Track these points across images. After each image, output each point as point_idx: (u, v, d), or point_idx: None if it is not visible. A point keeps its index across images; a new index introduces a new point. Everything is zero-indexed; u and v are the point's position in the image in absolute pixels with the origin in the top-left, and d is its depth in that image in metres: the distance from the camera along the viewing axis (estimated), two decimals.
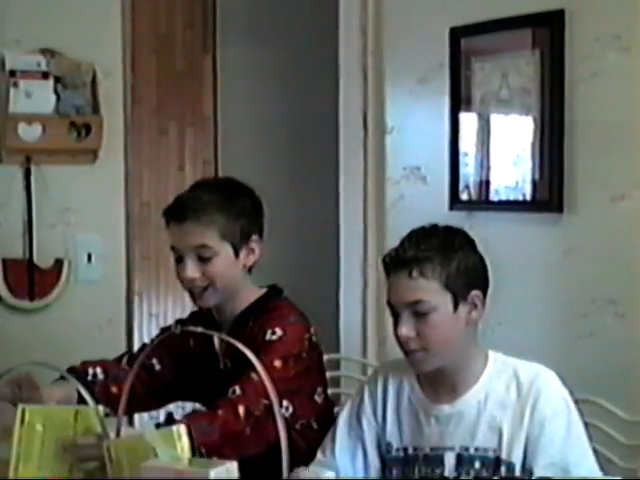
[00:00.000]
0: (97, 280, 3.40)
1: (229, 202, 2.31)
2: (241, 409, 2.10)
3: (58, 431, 1.75)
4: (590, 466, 2.01)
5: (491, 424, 2.04)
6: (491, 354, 2.11)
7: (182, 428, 1.63)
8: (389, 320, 2.11)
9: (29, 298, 3.27)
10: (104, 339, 3.40)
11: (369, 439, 2.17)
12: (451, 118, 3.28)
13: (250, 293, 2.37)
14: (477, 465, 2.04)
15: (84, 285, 3.37)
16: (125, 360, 2.48)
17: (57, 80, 3.22)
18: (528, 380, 2.05)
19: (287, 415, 2.21)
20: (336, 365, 3.18)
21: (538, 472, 1.99)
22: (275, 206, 4.46)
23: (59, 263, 3.31)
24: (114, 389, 2.35)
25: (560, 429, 2.01)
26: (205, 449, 1.99)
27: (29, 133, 3.21)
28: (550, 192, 2.97)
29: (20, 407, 1.77)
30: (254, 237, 2.34)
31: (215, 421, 2.09)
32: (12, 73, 3.18)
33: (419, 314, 2.03)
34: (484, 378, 2.08)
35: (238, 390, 2.14)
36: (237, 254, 2.31)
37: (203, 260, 2.27)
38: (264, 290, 2.40)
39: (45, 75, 3.20)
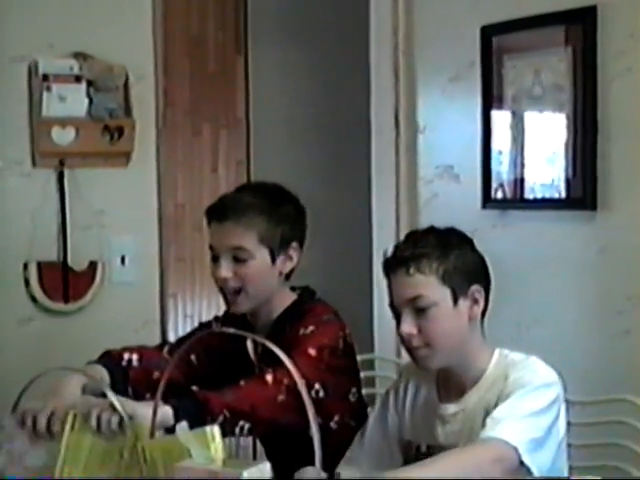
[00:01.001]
0: (131, 282, 3.41)
1: (272, 207, 2.31)
2: (269, 377, 2.09)
3: (107, 440, 1.74)
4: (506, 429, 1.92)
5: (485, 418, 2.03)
6: (497, 351, 2.11)
7: (215, 429, 1.64)
8: None
9: (64, 300, 3.28)
10: (139, 341, 3.39)
11: (393, 436, 2.20)
12: (483, 116, 3.27)
13: (284, 298, 2.36)
14: None
15: (118, 287, 3.38)
16: (166, 349, 2.46)
17: (90, 84, 3.23)
18: (513, 364, 2.05)
19: (318, 398, 2.18)
20: (370, 365, 3.18)
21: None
22: (307, 206, 4.46)
23: (93, 265, 3.32)
24: (156, 374, 2.33)
25: (512, 398, 1.96)
26: (228, 412, 2.01)
27: (62, 137, 3.23)
28: (584, 190, 2.95)
29: (71, 413, 1.77)
30: (293, 244, 2.34)
31: (237, 387, 2.10)
32: (45, 77, 3.19)
33: (420, 310, 2.04)
34: (487, 374, 2.09)
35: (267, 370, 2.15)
36: (274, 260, 2.30)
37: (238, 261, 2.27)
38: (297, 293, 2.39)
39: (78, 79, 3.22)
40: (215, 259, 2.31)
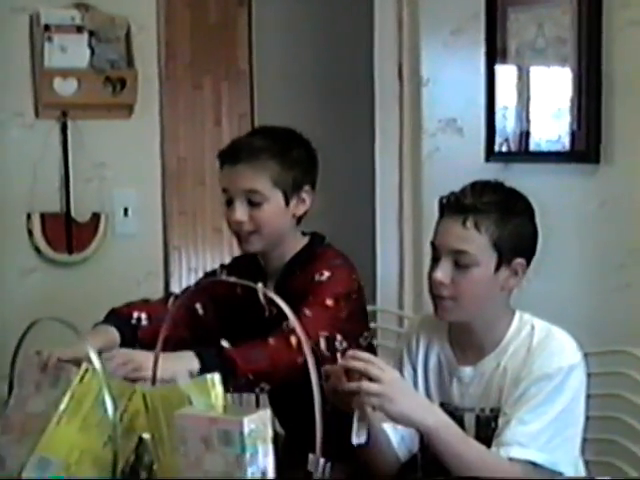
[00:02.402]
0: (134, 234, 3.42)
1: (285, 150, 2.31)
2: (293, 339, 2.09)
3: (113, 400, 1.74)
4: (524, 437, 1.93)
5: (500, 384, 2.03)
6: (517, 314, 2.09)
7: (216, 376, 1.64)
8: (426, 272, 2.10)
9: (67, 252, 3.29)
10: (142, 292, 3.41)
11: None
12: (487, 69, 3.25)
13: (296, 242, 2.37)
14: (493, 425, 2.03)
15: (121, 239, 3.39)
16: (171, 301, 2.46)
17: (91, 34, 3.22)
18: (539, 341, 2.02)
19: (342, 348, 2.21)
20: (372, 317, 3.19)
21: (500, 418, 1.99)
22: None
23: (96, 217, 3.33)
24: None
25: (537, 392, 1.96)
26: (253, 376, 2.05)
27: (64, 88, 3.22)
28: (587, 143, 2.94)
29: (84, 366, 1.77)
30: (306, 187, 2.34)
31: (265, 349, 2.11)
32: (47, 28, 3.18)
33: (460, 264, 2.01)
34: (506, 339, 2.06)
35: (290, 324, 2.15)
36: (287, 203, 2.31)
37: (253, 205, 2.28)
38: (308, 238, 2.40)
39: (79, 29, 3.20)
40: (229, 203, 2.32)
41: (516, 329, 2.07)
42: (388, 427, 2.08)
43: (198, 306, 2.44)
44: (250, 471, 1.53)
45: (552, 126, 3.06)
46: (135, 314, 2.38)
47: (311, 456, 1.60)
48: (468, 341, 2.10)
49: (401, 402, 1.87)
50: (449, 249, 2.02)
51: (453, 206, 2.03)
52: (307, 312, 2.16)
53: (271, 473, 1.56)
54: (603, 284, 2.94)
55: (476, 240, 1.99)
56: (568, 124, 3.00)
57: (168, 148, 3.58)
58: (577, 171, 2.99)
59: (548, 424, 1.94)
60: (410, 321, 2.26)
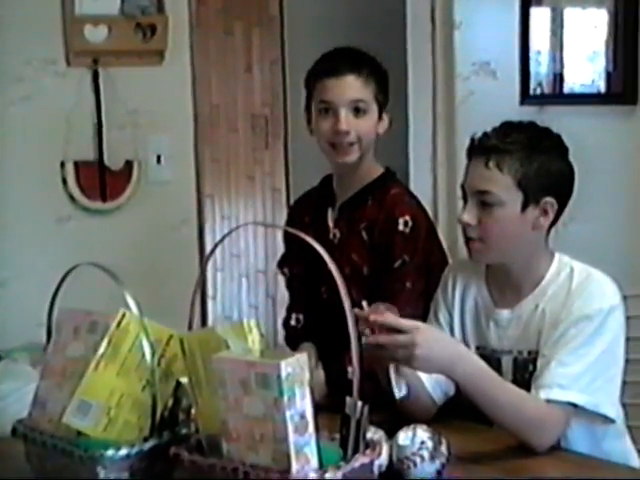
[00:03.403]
0: (168, 181, 3.42)
1: (376, 67, 2.43)
2: None
3: (151, 345, 1.75)
4: (565, 376, 1.93)
5: (539, 326, 2.03)
6: (556, 256, 2.08)
7: (252, 321, 1.65)
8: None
9: (101, 199, 3.30)
10: (177, 239, 3.44)
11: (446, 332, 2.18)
12: (521, 11, 3.21)
13: (372, 169, 2.43)
14: (531, 368, 2.03)
15: (155, 186, 3.39)
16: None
17: None
18: (578, 282, 2.02)
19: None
20: None
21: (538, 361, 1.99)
22: None
23: (129, 164, 3.33)
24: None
25: (577, 333, 1.96)
26: None
27: (95, 35, 3.21)
28: (624, 85, 2.91)
29: (121, 311, 1.78)
30: (388, 107, 2.44)
31: None
32: None
33: (485, 204, 2.01)
34: (545, 281, 2.06)
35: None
36: (380, 116, 2.40)
37: (357, 114, 2.36)
38: (382, 169, 2.46)
39: None
40: (327, 112, 2.37)
41: (555, 271, 2.06)
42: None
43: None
44: (289, 414, 1.54)
45: (587, 68, 3.03)
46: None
47: (349, 399, 1.60)
48: (506, 283, 2.10)
49: (427, 355, 1.87)
50: (474, 190, 2.03)
51: (477, 147, 2.04)
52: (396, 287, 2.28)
53: (310, 416, 1.56)
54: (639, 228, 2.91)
55: (499, 180, 1.99)
56: (603, 66, 2.97)
57: (200, 95, 3.57)
58: (614, 113, 2.95)
59: (589, 366, 1.94)
60: (445, 271, 2.25)
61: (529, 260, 2.06)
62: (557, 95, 3.14)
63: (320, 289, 2.42)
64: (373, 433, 1.73)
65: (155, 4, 3.26)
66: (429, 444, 1.76)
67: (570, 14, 3.08)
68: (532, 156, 2.00)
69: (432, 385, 2.11)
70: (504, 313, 2.09)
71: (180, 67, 3.41)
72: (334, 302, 2.14)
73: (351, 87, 2.35)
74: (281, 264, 2.61)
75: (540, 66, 3.18)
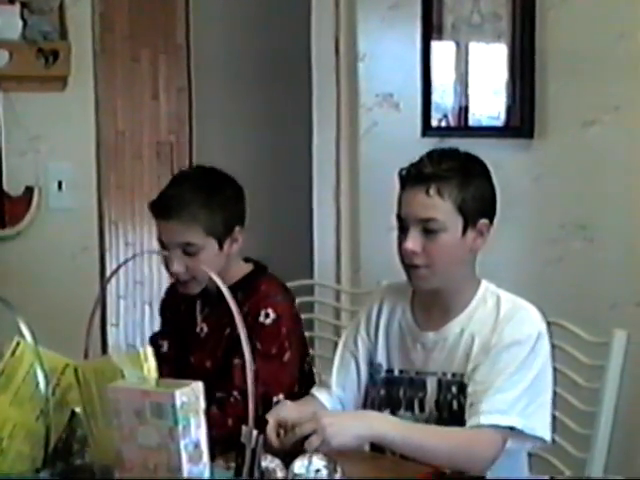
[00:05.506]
0: (69, 208, 3.39)
1: (211, 197, 2.35)
2: (230, 421, 2.17)
3: (45, 374, 1.72)
4: (501, 403, 1.97)
5: (466, 350, 2.07)
6: (483, 282, 2.13)
7: (148, 350, 1.64)
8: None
9: (1, 226, 3.26)
10: (77, 266, 3.41)
11: (362, 357, 2.21)
12: (423, 44, 3.27)
13: (237, 270, 2.43)
14: (454, 390, 2.07)
15: (56, 213, 3.36)
16: None
17: (23, 5, 3.18)
18: (507, 309, 2.07)
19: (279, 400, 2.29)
20: (310, 291, 3.20)
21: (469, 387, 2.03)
22: (248, 133, 4.44)
23: (29, 190, 3.30)
24: None
25: (510, 359, 2.01)
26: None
27: None
28: (522, 118, 2.97)
29: (16, 339, 1.75)
30: (237, 228, 2.39)
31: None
32: None
33: (428, 232, 2.05)
34: (471, 305, 2.11)
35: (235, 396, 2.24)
36: (221, 246, 2.36)
37: (189, 255, 2.33)
38: (250, 266, 2.45)
39: (11, 0, 3.16)
40: (164, 248, 2.36)
41: (482, 297, 2.11)
42: (322, 396, 2.16)
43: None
44: (183, 443, 1.53)
45: (491, 102, 3.09)
46: None
47: (244, 427, 1.61)
48: (433, 305, 2.14)
49: (340, 429, 1.88)
50: (416, 218, 2.06)
51: (414, 177, 2.07)
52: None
53: (204, 445, 1.56)
54: (536, 258, 2.98)
55: (441, 206, 2.04)
56: (504, 100, 3.03)
57: (105, 121, 3.55)
58: (512, 146, 3.02)
59: (523, 391, 1.99)
60: (372, 293, 2.30)
61: (460, 283, 2.11)
62: (457, 128, 3.19)
63: (189, 359, 2.44)
64: (269, 462, 1.74)
65: (58, 30, 3.24)
66: (324, 472, 1.77)
67: (474, 48, 3.15)
68: (467, 181, 2.06)
69: (333, 406, 2.16)
70: (430, 335, 2.13)
71: (83, 93, 3.38)
72: (203, 367, 2.30)
73: (176, 231, 2.31)
74: (155, 338, 2.57)
75: (441, 98, 3.23)
